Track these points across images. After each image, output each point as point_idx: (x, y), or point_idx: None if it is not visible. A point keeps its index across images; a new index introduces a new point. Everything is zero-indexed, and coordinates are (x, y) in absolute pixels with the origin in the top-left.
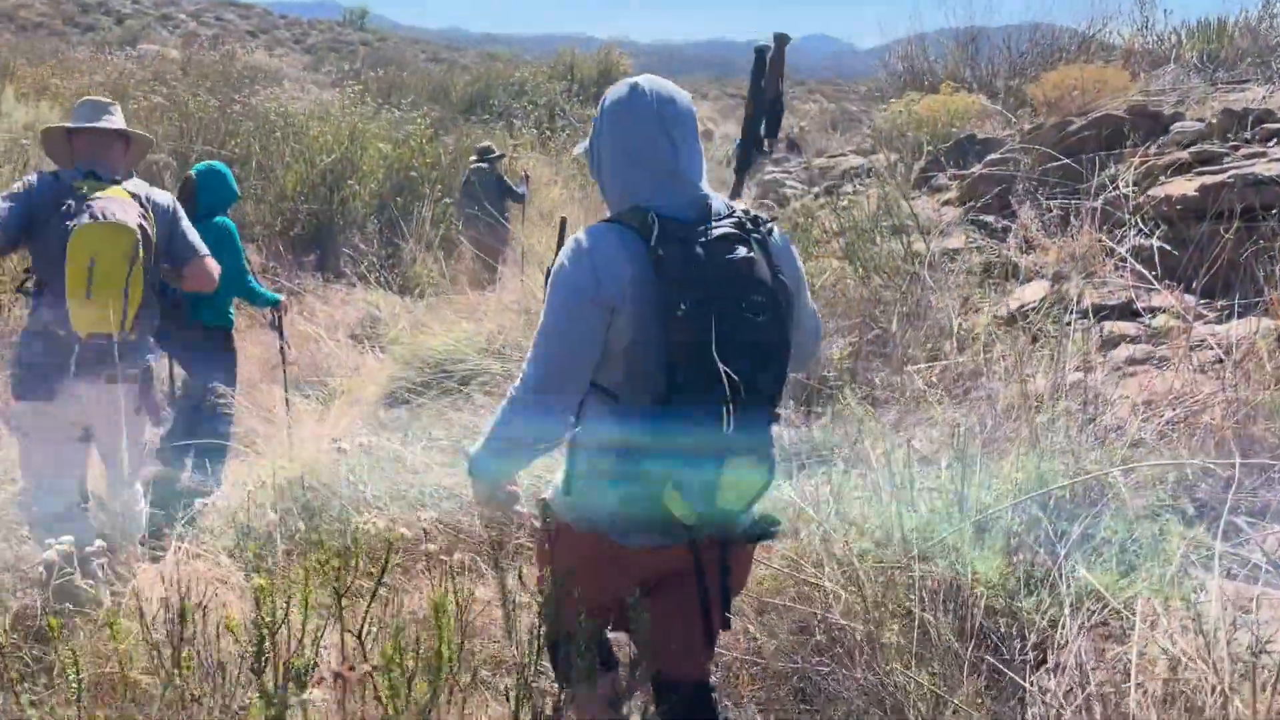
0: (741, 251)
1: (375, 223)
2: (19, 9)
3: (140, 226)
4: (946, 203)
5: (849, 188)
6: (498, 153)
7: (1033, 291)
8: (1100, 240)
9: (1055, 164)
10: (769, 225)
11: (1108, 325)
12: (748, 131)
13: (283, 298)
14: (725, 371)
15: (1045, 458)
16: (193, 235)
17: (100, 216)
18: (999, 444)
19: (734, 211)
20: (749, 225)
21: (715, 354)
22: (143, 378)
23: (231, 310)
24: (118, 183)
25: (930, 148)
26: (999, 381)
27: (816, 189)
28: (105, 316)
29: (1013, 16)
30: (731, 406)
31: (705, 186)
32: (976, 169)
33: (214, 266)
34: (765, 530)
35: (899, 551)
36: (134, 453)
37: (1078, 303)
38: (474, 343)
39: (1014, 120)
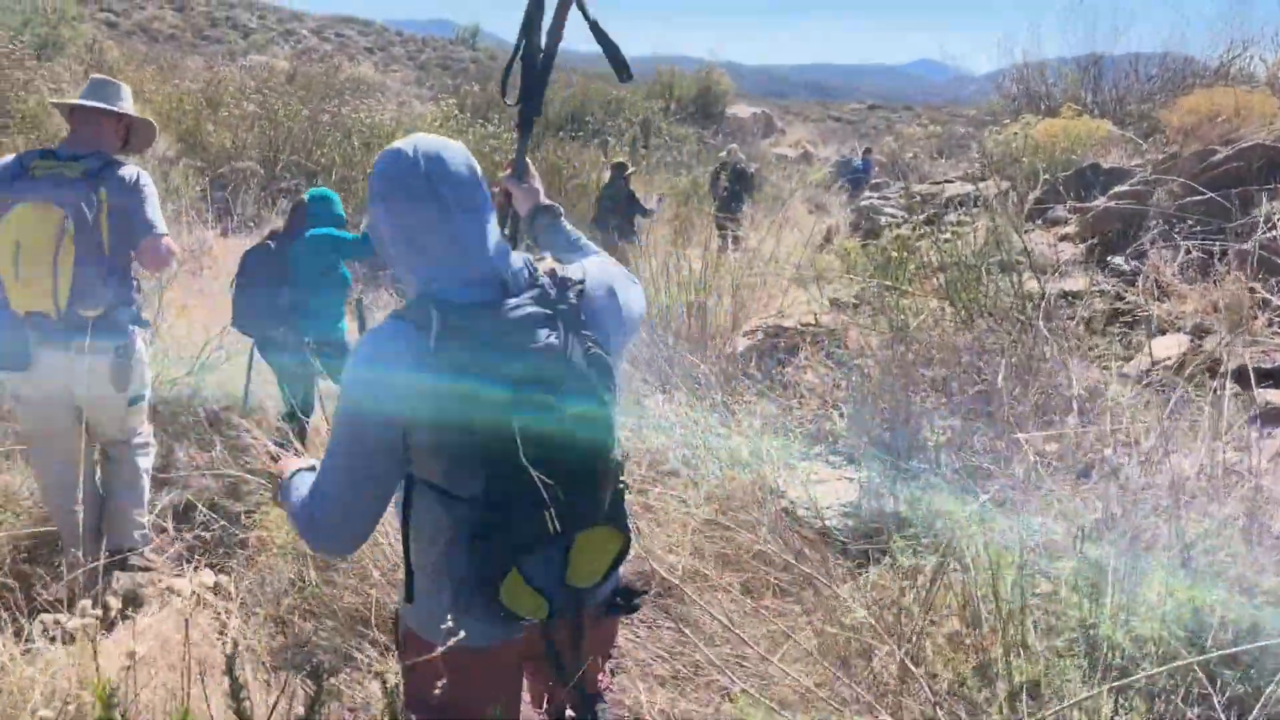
0: (544, 337)
1: None
2: (153, 21)
3: (75, 206)
4: (1065, 238)
5: (953, 217)
6: (631, 169)
7: (1168, 346)
8: (1252, 289)
9: (1195, 199)
10: (579, 286)
11: (1265, 394)
12: (528, 89)
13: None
14: (540, 480)
15: (1202, 580)
16: (151, 214)
17: (33, 194)
18: (1135, 549)
19: (536, 279)
20: (554, 295)
21: (525, 460)
22: (117, 354)
23: (343, 324)
24: (78, 160)
25: (1047, 176)
26: (1132, 458)
27: (917, 217)
28: (36, 294)
29: (1140, 44)
30: (563, 495)
31: (498, 253)
32: (1101, 202)
33: (167, 246)
34: (628, 602)
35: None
36: (115, 414)
37: (1225, 363)
38: None
39: (1144, 148)
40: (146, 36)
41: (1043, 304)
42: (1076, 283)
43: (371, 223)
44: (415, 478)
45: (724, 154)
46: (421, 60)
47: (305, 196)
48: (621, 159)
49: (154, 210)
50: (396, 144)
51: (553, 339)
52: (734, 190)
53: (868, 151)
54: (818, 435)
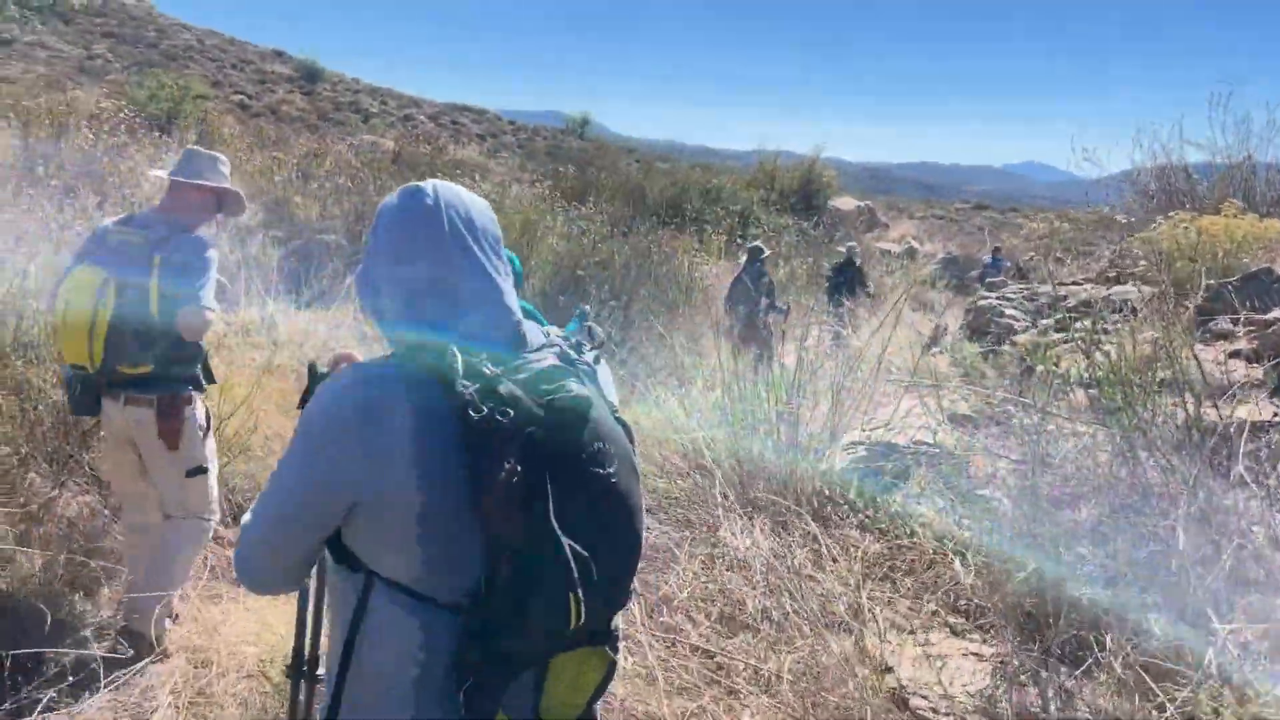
0: (574, 387)
1: None
2: (281, 104)
3: (125, 270)
4: (1234, 354)
5: (1087, 323)
6: (766, 253)
7: None
8: None
9: None
10: (595, 352)
11: None
12: None
13: None
14: (571, 548)
15: None
16: (199, 284)
17: (90, 259)
18: None
19: (550, 338)
20: (573, 354)
21: (556, 526)
22: (159, 407)
23: None
24: (147, 228)
25: (1211, 281)
26: None
27: (1048, 321)
28: (73, 349)
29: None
30: (580, 594)
31: (515, 307)
32: None
33: (196, 317)
34: None
35: None
36: (166, 481)
37: None
38: None
39: None
40: (275, 118)
41: (1219, 436)
42: (1256, 410)
43: (367, 268)
44: (376, 579)
45: (844, 249)
46: (531, 149)
47: None
48: (758, 243)
49: (205, 281)
50: (413, 184)
51: (583, 391)
52: (839, 282)
53: (997, 250)
54: (934, 586)
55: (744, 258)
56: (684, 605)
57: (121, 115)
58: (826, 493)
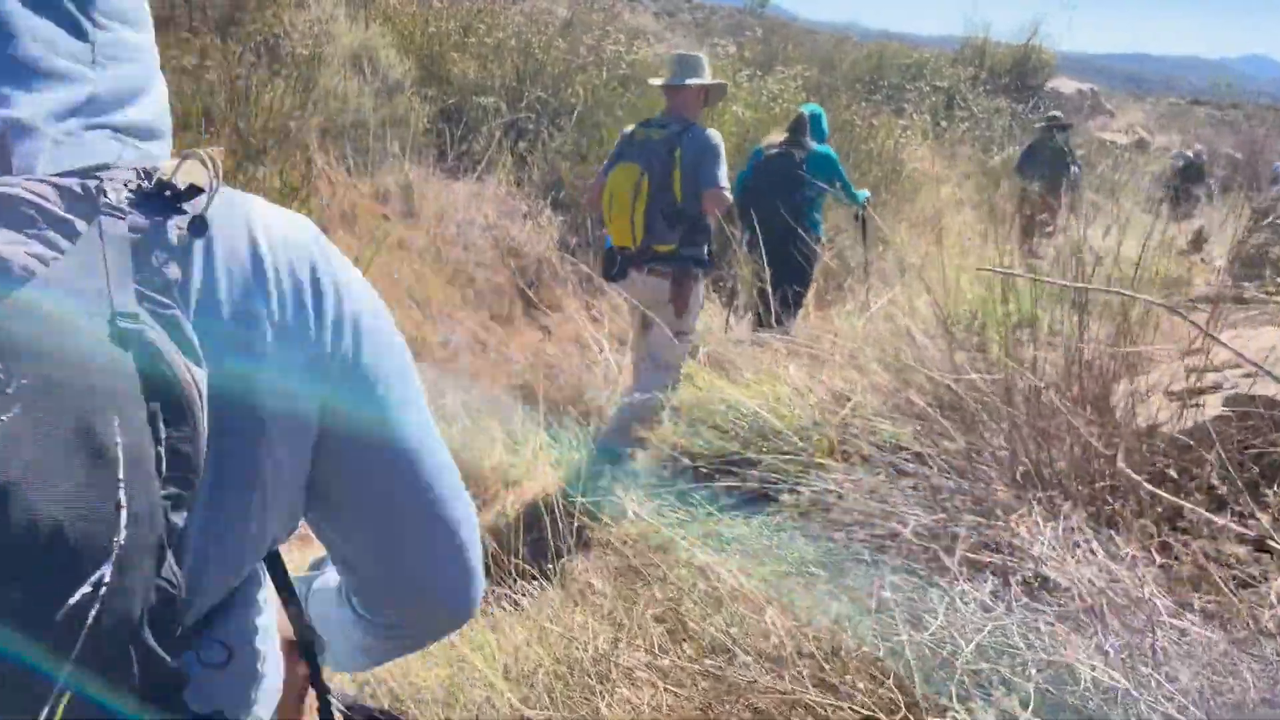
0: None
1: None
2: None
3: (649, 164)
4: None
5: None
6: (1065, 121)
7: None
8: None
9: None
10: (193, 212)
11: None
12: None
13: (869, 193)
14: None
15: None
16: (716, 170)
17: (626, 157)
18: None
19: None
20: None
21: None
22: (674, 279)
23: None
24: (664, 127)
25: None
26: None
27: None
28: (621, 232)
29: None
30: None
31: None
32: None
33: (719, 198)
34: None
35: None
36: (658, 334)
37: None
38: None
39: None
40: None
41: None
42: None
43: None
44: None
45: (1190, 153)
46: (709, 27)
47: (803, 110)
48: (1055, 112)
49: (716, 166)
50: None
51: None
52: (1043, 159)
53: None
54: None
55: (1039, 124)
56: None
57: None
58: (1154, 469)
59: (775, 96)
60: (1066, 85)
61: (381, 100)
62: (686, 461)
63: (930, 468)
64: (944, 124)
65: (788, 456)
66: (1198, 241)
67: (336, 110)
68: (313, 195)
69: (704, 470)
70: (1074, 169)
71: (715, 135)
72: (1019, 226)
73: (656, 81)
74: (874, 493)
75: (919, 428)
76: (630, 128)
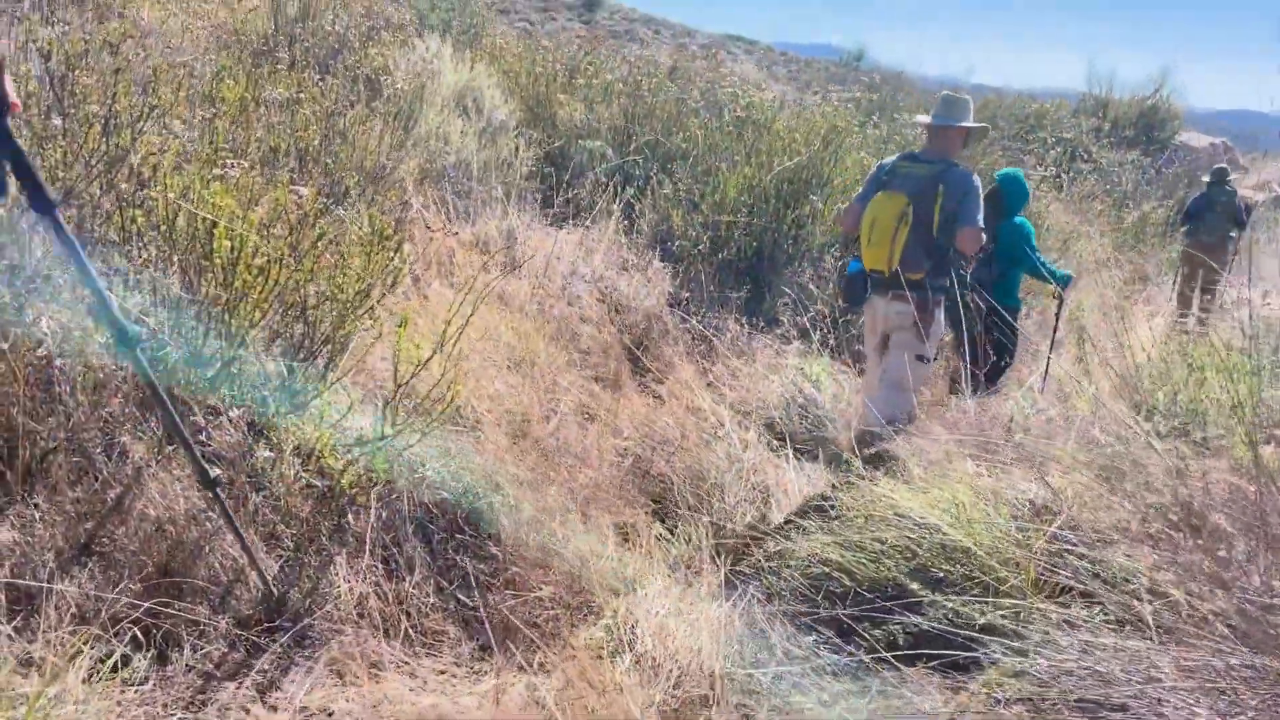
0: None
1: (834, 258)
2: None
3: (913, 195)
4: None
5: None
6: (1232, 175)
7: None
8: None
9: None
10: None
11: None
12: None
13: (1073, 273)
14: None
15: None
16: (972, 209)
17: (892, 187)
18: None
19: None
20: None
21: None
22: (919, 305)
23: (1019, 295)
24: (929, 164)
25: None
26: None
27: None
28: (878, 257)
29: None
30: None
31: None
32: None
33: (975, 237)
34: None
35: None
36: (896, 358)
37: None
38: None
39: None
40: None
41: None
42: None
43: None
44: None
45: (1207, 176)
46: (806, 78)
47: (996, 178)
48: (1222, 165)
49: (975, 206)
50: None
51: None
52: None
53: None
54: None
55: (1207, 179)
56: None
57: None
58: None
59: (905, 146)
60: (1198, 140)
61: (485, 142)
62: (846, 583)
63: (1186, 620)
64: (1069, 176)
65: (978, 588)
66: None
67: (438, 151)
68: (406, 241)
69: (868, 596)
70: (1246, 224)
71: (976, 178)
72: (1181, 289)
73: (923, 119)
74: (1123, 653)
75: (1158, 558)
76: (890, 159)
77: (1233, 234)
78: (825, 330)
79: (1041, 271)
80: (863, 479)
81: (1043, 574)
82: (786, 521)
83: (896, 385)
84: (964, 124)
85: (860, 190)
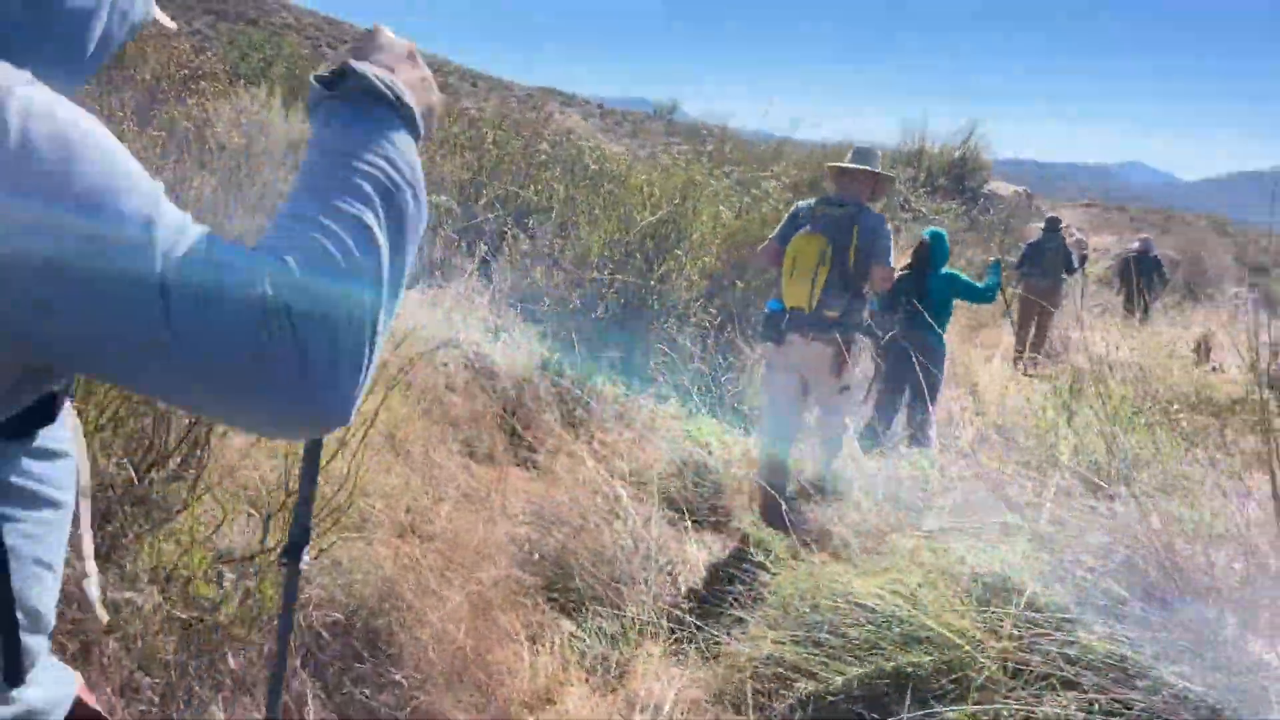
0: None
1: (709, 313)
2: None
3: (832, 236)
4: None
5: None
6: (1064, 223)
7: None
8: None
9: None
10: None
11: None
12: None
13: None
14: None
15: None
16: (884, 249)
17: (811, 228)
18: None
19: None
20: None
21: None
22: (840, 340)
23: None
24: (843, 207)
25: None
26: None
27: None
28: (799, 294)
29: None
30: None
31: None
32: None
33: (887, 274)
34: None
35: None
36: (826, 409)
37: None
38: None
39: None
40: None
41: None
42: None
43: None
44: None
45: (1137, 243)
46: (621, 132)
47: (926, 235)
48: (1054, 214)
49: (887, 247)
50: None
51: None
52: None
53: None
54: None
55: (1040, 226)
56: None
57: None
58: None
59: (760, 199)
60: (1004, 188)
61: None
62: (804, 687)
63: (1168, 700)
64: (897, 226)
65: (953, 684)
66: (1204, 349)
67: (275, 211)
68: None
69: (831, 700)
70: (1076, 269)
71: (887, 222)
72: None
73: (839, 164)
74: None
75: (1132, 635)
76: (807, 203)
77: (1064, 278)
78: (704, 388)
79: (987, 295)
80: (798, 559)
81: (1017, 662)
82: (715, 608)
83: (828, 439)
84: (874, 170)
85: (778, 230)
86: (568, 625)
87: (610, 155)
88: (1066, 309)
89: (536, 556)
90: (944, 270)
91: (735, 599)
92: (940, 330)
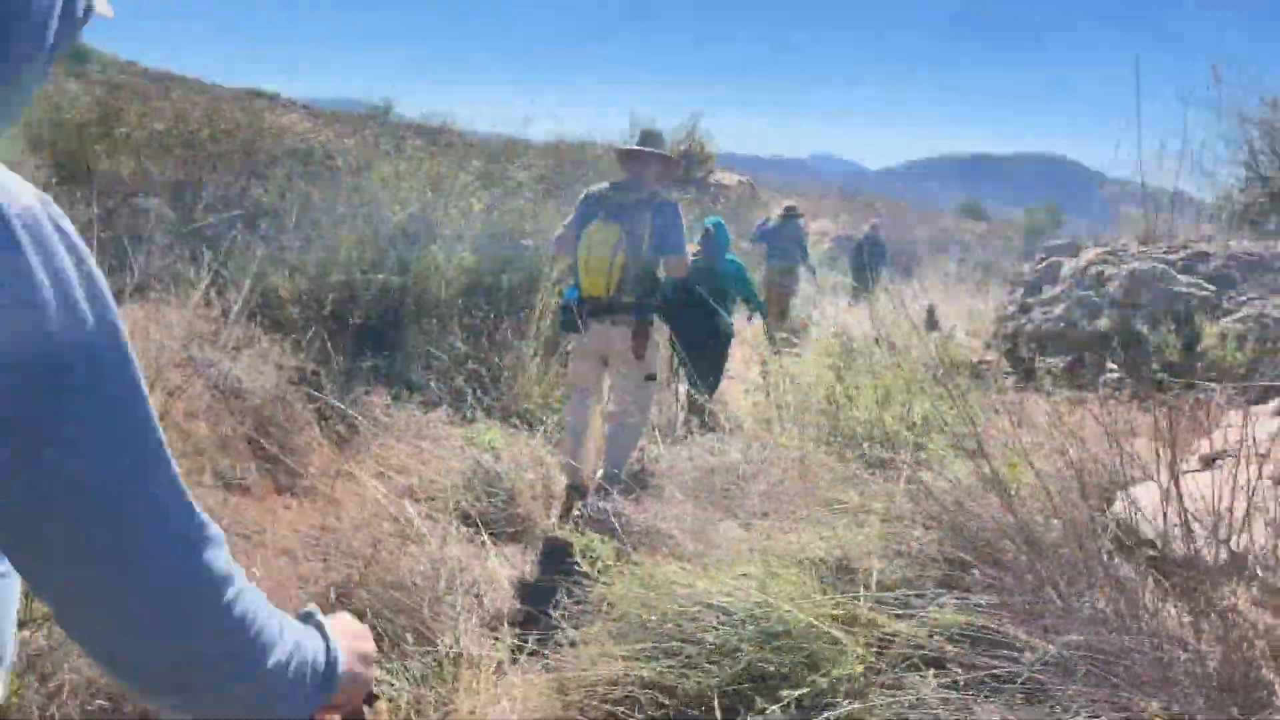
0: None
1: (481, 310)
2: None
3: (626, 224)
4: None
5: None
6: (800, 211)
7: None
8: None
9: None
10: None
11: None
12: None
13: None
14: None
15: None
16: (678, 235)
17: (605, 216)
18: None
19: None
20: None
21: None
22: (636, 329)
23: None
24: (633, 193)
25: None
26: None
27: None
28: (596, 283)
29: None
30: None
31: None
32: None
33: (681, 262)
34: None
35: None
36: (623, 390)
37: None
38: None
39: None
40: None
41: None
42: None
43: None
44: None
45: (867, 227)
46: (341, 130)
47: (709, 224)
48: (792, 202)
49: (682, 234)
50: None
51: None
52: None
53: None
54: None
55: (779, 212)
56: None
57: None
58: None
59: (512, 189)
60: (728, 178)
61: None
62: (665, 701)
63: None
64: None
65: (821, 675)
66: (933, 319)
67: None
68: None
69: (694, 714)
70: (809, 254)
71: (679, 206)
72: (772, 314)
73: (625, 146)
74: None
75: (981, 601)
76: (597, 189)
77: (799, 262)
78: (480, 390)
79: (756, 296)
80: (629, 562)
81: (879, 645)
82: (543, 628)
83: (626, 426)
84: (661, 151)
85: (570, 219)
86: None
87: (347, 149)
88: (803, 290)
89: (332, 597)
90: (729, 257)
91: (564, 614)
92: (728, 313)
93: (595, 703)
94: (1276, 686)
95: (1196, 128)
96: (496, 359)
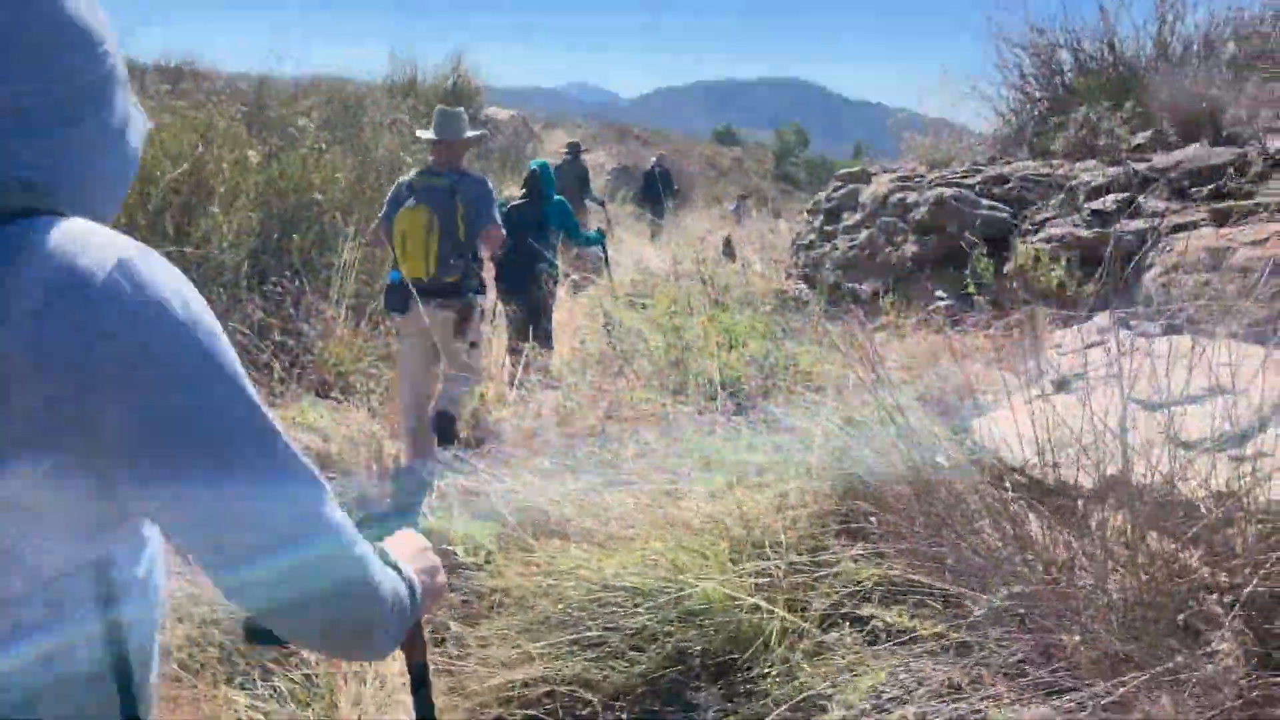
0: None
1: (283, 277)
2: None
3: (436, 206)
4: None
5: None
6: (584, 148)
7: None
8: None
9: None
10: None
11: None
12: None
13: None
14: None
15: None
16: (491, 211)
17: (415, 200)
18: None
19: None
20: None
21: None
22: (459, 311)
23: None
24: (441, 176)
25: None
26: None
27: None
28: (416, 266)
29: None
30: None
31: None
32: None
33: (497, 235)
34: None
35: None
36: (454, 355)
37: None
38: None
39: None
40: None
41: None
42: None
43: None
44: None
45: (654, 158)
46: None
47: (535, 166)
48: (576, 140)
49: (492, 208)
50: None
51: None
52: (569, 181)
53: (663, 157)
54: None
55: (564, 151)
56: None
57: None
58: None
59: (294, 139)
60: (501, 113)
61: None
62: (591, 699)
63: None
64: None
65: (748, 651)
66: (729, 249)
67: None
68: None
69: (621, 705)
70: (593, 189)
71: (488, 181)
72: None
73: (427, 135)
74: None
75: (888, 549)
76: (408, 176)
77: (583, 198)
78: (290, 364)
79: (583, 236)
80: (519, 549)
81: (801, 607)
82: (431, 630)
83: (458, 378)
84: (465, 136)
85: (384, 209)
86: (241, 699)
87: None
88: (592, 224)
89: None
90: (555, 197)
91: (451, 612)
92: (553, 254)
93: (514, 710)
94: (1189, 605)
95: (973, 54)
96: (305, 325)
